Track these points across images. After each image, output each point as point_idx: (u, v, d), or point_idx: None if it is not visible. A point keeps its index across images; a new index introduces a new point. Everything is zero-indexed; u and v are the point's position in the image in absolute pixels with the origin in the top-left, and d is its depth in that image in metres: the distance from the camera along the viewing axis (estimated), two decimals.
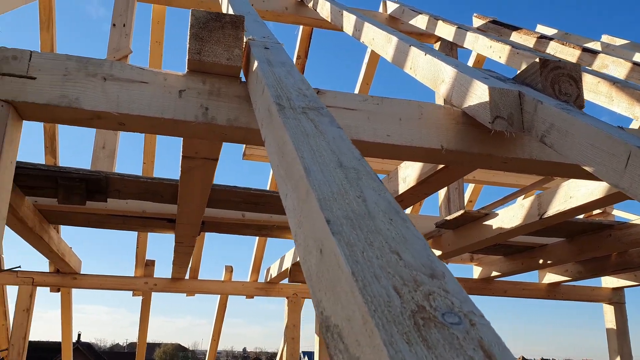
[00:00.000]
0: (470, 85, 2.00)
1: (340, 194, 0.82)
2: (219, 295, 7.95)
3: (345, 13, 3.76)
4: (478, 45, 3.95)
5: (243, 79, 1.97)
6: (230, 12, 2.88)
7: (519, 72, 2.20)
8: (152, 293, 7.54)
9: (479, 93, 1.95)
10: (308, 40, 5.90)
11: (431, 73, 2.31)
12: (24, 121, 1.88)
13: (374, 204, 0.80)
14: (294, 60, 5.92)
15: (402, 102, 2.07)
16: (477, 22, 5.71)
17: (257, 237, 7.31)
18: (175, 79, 1.89)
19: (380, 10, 5.85)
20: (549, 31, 5.72)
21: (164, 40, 5.75)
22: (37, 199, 4.29)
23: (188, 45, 1.84)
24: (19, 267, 5.77)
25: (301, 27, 5.79)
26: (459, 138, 2.07)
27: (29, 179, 3.63)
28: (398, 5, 5.42)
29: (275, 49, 1.94)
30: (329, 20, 4.27)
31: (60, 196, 3.87)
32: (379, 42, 2.98)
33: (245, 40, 1.92)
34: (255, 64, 1.70)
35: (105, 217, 4.76)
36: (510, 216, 4.00)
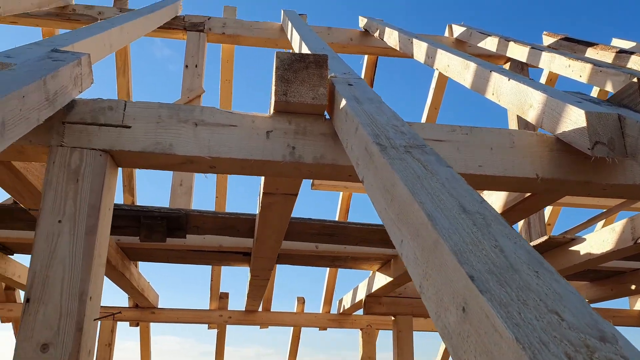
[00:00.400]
0: (564, 110, 1.91)
1: (474, 244, 0.77)
2: (292, 327, 7.92)
3: (415, 41, 3.73)
4: (555, 64, 3.81)
5: (327, 116, 1.97)
6: (305, 49, 2.91)
7: (614, 93, 2.08)
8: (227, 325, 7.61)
9: (573, 118, 1.85)
10: (373, 69, 5.91)
11: (517, 98, 2.23)
12: (118, 168, 1.94)
13: (513, 254, 0.74)
14: None
15: (492, 130, 2.00)
16: (547, 40, 5.54)
17: (328, 268, 7.26)
18: (262, 121, 1.91)
19: (446, 34, 5.79)
20: (625, 44, 5.47)
21: (233, 78, 5.90)
22: (119, 238, 4.44)
23: (274, 88, 1.85)
24: (120, 312, 5.93)
25: (366, 56, 5.81)
26: (554, 165, 1.97)
27: (114, 219, 3.76)
28: (465, 28, 5.34)
29: (359, 84, 1.93)
30: (397, 49, 4.25)
31: (142, 234, 3.99)
32: (456, 68, 2.92)
33: (328, 78, 1.91)
34: (343, 102, 1.68)
35: (183, 252, 4.87)
36: (600, 241, 3.78)
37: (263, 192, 2.66)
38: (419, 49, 3.64)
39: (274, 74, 1.88)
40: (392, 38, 4.36)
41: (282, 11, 5.37)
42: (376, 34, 4.92)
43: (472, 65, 2.70)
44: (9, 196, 4.95)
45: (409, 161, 1.12)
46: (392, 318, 6.09)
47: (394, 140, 1.26)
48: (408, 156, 1.15)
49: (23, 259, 5.60)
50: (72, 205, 1.72)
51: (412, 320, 6.02)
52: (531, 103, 2.12)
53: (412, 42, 3.80)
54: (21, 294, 7.38)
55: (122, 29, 2.97)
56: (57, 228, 1.69)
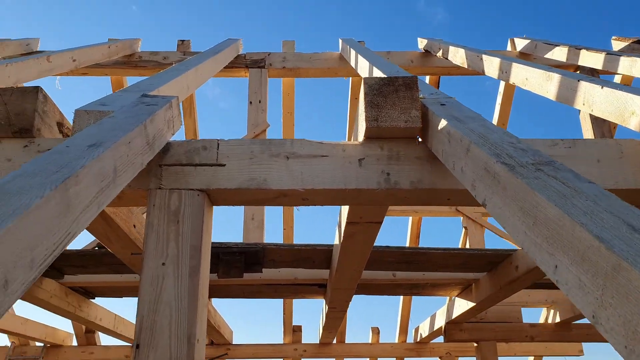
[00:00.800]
0: None
1: None
2: (368, 359, 7.74)
3: (485, 57, 3.64)
4: (636, 69, 3.62)
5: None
6: (378, 74, 2.87)
7: None
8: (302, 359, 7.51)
9: None
10: (436, 88, 5.82)
11: (614, 106, 2.11)
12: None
13: None
14: None
15: (598, 142, 1.88)
16: (617, 44, 5.31)
17: (402, 296, 7.08)
18: (353, 149, 1.86)
19: (509, 48, 5.65)
20: None
21: (294, 110, 5.94)
22: None
23: (364, 114, 1.81)
24: (226, 354, 5.90)
25: (427, 77, 5.74)
26: None
27: None
28: (529, 41, 5.20)
29: (452, 104, 1.86)
30: (465, 66, 4.16)
31: (220, 270, 3.99)
32: (536, 81, 2.81)
33: (419, 99, 1.86)
34: (442, 122, 1.62)
35: (259, 287, 4.86)
36: None
37: (346, 222, 2.60)
38: (490, 65, 3.54)
39: (362, 100, 1.84)
40: (458, 56, 4.27)
41: (341, 40, 5.40)
42: (439, 54, 4.85)
43: (556, 77, 2.58)
44: (91, 242, 5.10)
45: (545, 179, 1.04)
46: (475, 344, 5.85)
47: (518, 158, 1.18)
48: (541, 174, 1.07)
49: (103, 302, 5.74)
50: (174, 246, 1.72)
51: (497, 346, 5.76)
52: (633, 110, 1.98)
53: (481, 59, 3.71)
54: (101, 336, 7.56)
55: (196, 71, 3.03)
56: (162, 270, 1.68)
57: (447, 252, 4.01)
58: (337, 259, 3.35)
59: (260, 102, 5.23)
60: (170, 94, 2.46)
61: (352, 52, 4.28)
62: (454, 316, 5.48)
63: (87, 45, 4.53)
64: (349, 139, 6.07)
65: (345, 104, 6.05)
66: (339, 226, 3.09)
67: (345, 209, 2.68)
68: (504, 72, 3.31)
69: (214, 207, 1.94)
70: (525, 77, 2.97)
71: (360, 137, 1.89)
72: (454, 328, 5.79)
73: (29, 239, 0.89)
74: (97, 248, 3.68)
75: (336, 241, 3.41)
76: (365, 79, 1.85)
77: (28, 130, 1.82)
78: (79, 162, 1.16)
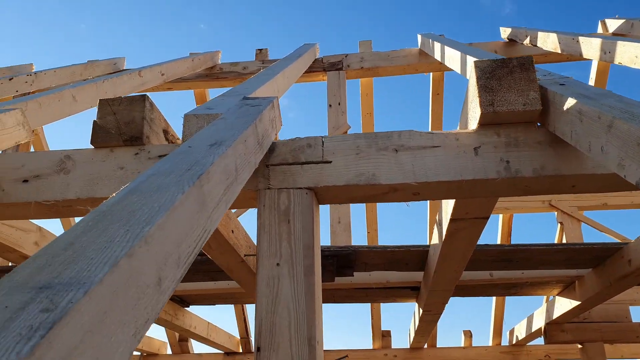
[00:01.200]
0: None
1: None
2: None
3: (582, 39, 3.41)
4: None
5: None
6: (471, 62, 2.74)
7: None
8: None
9: None
10: None
11: None
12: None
13: None
14: None
15: None
16: None
17: (495, 297, 6.80)
18: (466, 137, 1.76)
19: (600, 30, 5.32)
20: None
21: (373, 110, 5.86)
22: None
23: (478, 99, 1.71)
24: (347, 356, 5.92)
25: None
26: None
27: None
28: (624, 20, 4.86)
29: (571, 82, 1.72)
30: (559, 51, 3.94)
31: None
32: None
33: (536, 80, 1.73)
34: (570, 101, 1.49)
35: (350, 291, 4.79)
36: None
37: (451, 219, 2.49)
38: (590, 46, 3.31)
39: (474, 85, 1.74)
40: (549, 42, 4.05)
41: (420, 35, 5.27)
42: (526, 41, 4.62)
43: None
44: None
45: None
46: (579, 346, 5.50)
47: None
48: None
49: (195, 310, 5.86)
50: (287, 246, 1.68)
51: (604, 347, 5.40)
52: None
53: (578, 41, 3.49)
54: (194, 344, 7.76)
55: (284, 75, 3.02)
56: (277, 271, 1.65)
57: (549, 248, 3.78)
58: (437, 260, 3.22)
59: (339, 104, 5.19)
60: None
61: (437, 45, 4.15)
62: (554, 316, 5.19)
63: (173, 59, 4.66)
64: None
65: (425, 100, 5.92)
66: (439, 224, 2.98)
67: (446, 206, 2.56)
68: (607, 53, 3.08)
69: (320, 205, 1.89)
70: (635, 54, 2.75)
71: (473, 125, 1.78)
72: (555, 329, 5.48)
73: (176, 236, 0.86)
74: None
75: (434, 241, 3.29)
76: (476, 62, 1.75)
77: (138, 138, 1.85)
78: (207, 159, 1.13)
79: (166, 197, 0.91)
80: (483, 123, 1.75)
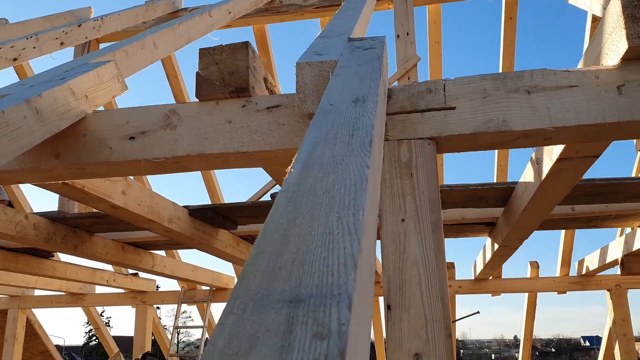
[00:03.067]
0: None
1: None
2: (526, 294, 7.45)
3: None
4: None
5: None
6: None
7: None
8: (456, 296, 7.40)
9: None
10: None
11: None
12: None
13: None
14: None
15: None
16: None
17: (564, 230, 6.61)
18: (608, 75, 1.58)
19: None
20: None
21: (441, 39, 5.57)
22: None
23: (625, 30, 1.51)
24: (478, 312, 5.91)
25: None
26: None
27: None
28: None
29: None
30: None
31: None
32: None
33: None
34: None
35: None
36: None
37: (558, 158, 2.33)
38: None
39: (618, 14, 1.54)
40: None
41: None
42: None
43: None
44: (256, 192, 5.23)
45: None
46: None
47: None
48: None
49: None
50: (411, 201, 1.58)
51: None
52: None
53: None
54: None
55: (367, 8, 2.83)
56: (402, 227, 1.56)
57: None
58: (529, 198, 3.08)
59: (407, 34, 4.93)
60: (361, 35, 2.29)
61: None
62: (635, 248, 5.02)
63: None
64: (505, 63, 5.55)
65: (494, 27, 5.56)
66: (536, 162, 2.82)
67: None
68: None
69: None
70: None
71: (614, 60, 1.60)
72: (634, 260, 5.32)
73: (372, 216, 0.77)
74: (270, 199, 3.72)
75: (526, 178, 3.14)
76: None
77: (244, 89, 1.75)
78: (363, 121, 1.03)
79: (352, 172, 0.81)
80: (629, 57, 1.56)
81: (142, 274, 7.43)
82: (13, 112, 1.46)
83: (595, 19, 4.95)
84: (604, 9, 2.13)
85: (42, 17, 5.02)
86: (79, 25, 3.72)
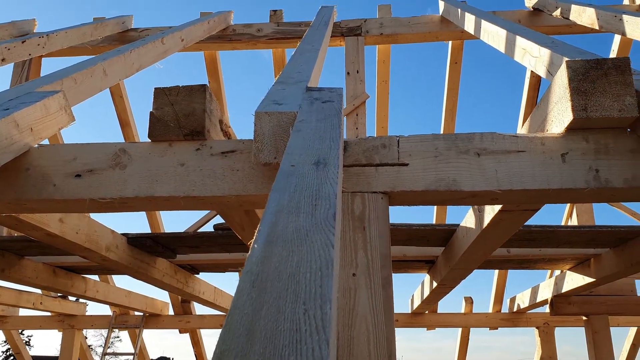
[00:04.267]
0: None
1: None
2: (460, 329, 7.61)
3: (627, 17, 3.28)
4: None
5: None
6: (524, 44, 2.61)
7: None
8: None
9: None
10: None
11: None
12: None
13: None
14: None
15: None
16: None
17: (499, 270, 6.83)
18: (553, 142, 1.66)
19: (626, 2, 5.17)
20: None
21: (389, 78, 5.71)
22: None
23: (570, 102, 1.60)
24: None
25: None
26: None
27: None
28: None
29: None
30: (596, 27, 3.80)
31: None
32: None
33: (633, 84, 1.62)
34: None
35: None
36: None
37: (500, 210, 2.42)
38: (636, 27, 3.18)
39: (564, 86, 1.63)
40: (585, 16, 3.90)
41: (443, 1, 5.08)
42: (556, 13, 4.47)
43: None
44: (196, 222, 5.12)
45: None
46: (584, 318, 5.59)
47: None
48: None
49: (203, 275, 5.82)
50: (363, 255, 1.59)
51: (609, 320, 5.49)
52: None
53: (621, 19, 3.35)
54: (196, 306, 7.76)
55: (322, 50, 2.87)
56: (353, 282, 1.57)
57: (575, 230, 3.76)
58: (469, 243, 3.17)
59: (357, 72, 5.03)
60: (316, 82, 2.32)
61: (467, 16, 3.98)
62: (563, 290, 5.24)
63: (189, 22, 4.43)
64: (447, 109, 5.75)
65: (441, 68, 5.75)
66: (477, 210, 2.90)
67: None
68: None
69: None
70: None
71: (558, 128, 1.68)
72: (562, 301, 5.55)
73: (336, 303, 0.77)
74: (219, 230, 3.66)
75: (467, 223, 3.23)
76: (568, 62, 1.63)
77: (199, 133, 1.72)
78: (326, 189, 1.03)
79: (317, 252, 0.81)
80: (572, 127, 1.65)
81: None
82: None
83: (534, 75, 5.22)
84: (548, 71, 2.25)
85: None
86: (23, 42, 3.57)
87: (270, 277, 0.75)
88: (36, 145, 1.76)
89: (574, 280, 4.99)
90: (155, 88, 1.76)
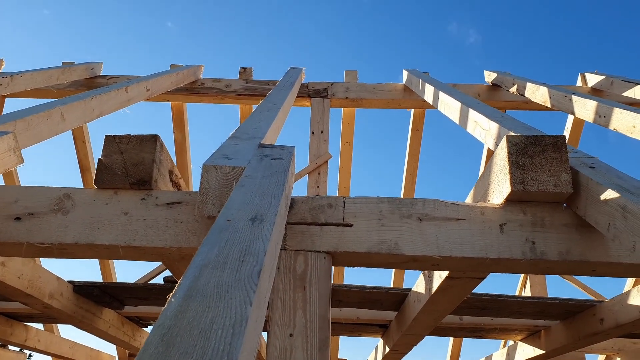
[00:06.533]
0: None
1: None
2: None
3: (576, 98, 3.46)
4: None
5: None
6: (476, 117, 2.73)
7: None
8: None
9: None
10: None
11: None
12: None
13: None
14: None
15: None
16: None
17: (453, 338, 6.81)
18: (492, 212, 1.71)
19: (579, 83, 5.47)
20: None
21: (353, 140, 5.83)
22: None
23: (509, 175, 1.66)
24: None
25: None
26: None
27: None
28: (603, 77, 5.00)
29: (600, 166, 1.70)
30: (548, 105, 3.99)
31: None
32: None
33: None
34: (610, 193, 1.46)
35: None
36: None
37: (447, 276, 2.44)
38: (583, 107, 3.36)
39: (504, 159, 1.70)
40: (538, 94, 4.11)
41: (406, 71, 5.28)
42: (512, 89, 4.68)
43: None
44: (146, 274, 5.01)
45: None
46: None
47: None
48: None
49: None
50: (302, 316, 1.58)
51: None
52: None
53: (570, 99, 3.54)
54: None
55: (283, 109, 2.93)
56: (289, 342, 1.55)
57: (526, 301, 3.81)
58: (419, 309, 3.18)
59: (322, 132, 5.13)
60: (272, 139, 2.35)
61: (427, 87, 4.14)
62: None
63: (157, 73, 4.48)
64: (408, 174, 5.83)
65: (403, 134, 5.91)
66: (427, 275, 2.93)
67: None
68: (602, 117, 3.13)
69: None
70: (633, 124, 2.79)
71: (497, 199, 1.74)
72: None
73: None
74: (168, 283, 3.58)
75: (417, 289, 3.25)
76: (508, 137, 1.71)
77: (146, 182, 1.72)
78: (256, 245, 1.03)
79: (234, 309, 0.80)
80: (511, 199, 1.71)
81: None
82: None
83: (489, 149, 5.41)
84: (495, 143, 2.34)
85: None
86: None
87: (181, 332, 0.74)
88: None
89: (525, 351, 4.99)
90: (106, 135, 1.76)
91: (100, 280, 6.24)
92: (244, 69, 5.51)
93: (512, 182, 1.65)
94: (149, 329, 5.34)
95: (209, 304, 0.81)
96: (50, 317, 4.22)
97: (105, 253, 1.70)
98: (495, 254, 1.66)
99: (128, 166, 1.72)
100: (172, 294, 0.85)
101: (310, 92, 5.29)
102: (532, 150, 1.68)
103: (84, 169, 5.86)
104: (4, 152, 1.87)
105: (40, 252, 1.69)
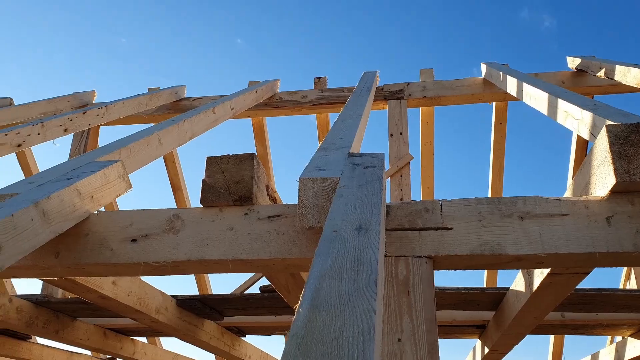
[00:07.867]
0: None
1: None
2: None
3: None
4: None
5: None
6: (567, 107, 2.63)
7: None
8: None
9: None
10: None
11: None
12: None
13: None
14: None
15: None
16: None
17: (554, 336, 6.54)
18: (597, 205, 1.65)
19: None
20: None
21: (434, 139, 5.76)
22: None
23: (612, 166, 1.60)
24: None
25: None
26: None
27: None
28: None
29: None
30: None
31: None
32: None
33: None
34: None
35: None
36: None
37: (549, 273, 2.37)
38: None
39: (605, 150, 1.64)
40: (630, 76, 3.89)
41: (485, 65, 5.17)
42: (600, 74, 4.47)
43: None
44: (242, 283, 5.18)
45: None
46: None
47: None
48: None
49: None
50: (408, 320, 1.59)
51: None
52: None
53: None
54: None
55: (365, 115, 2.96)
56: (398, 347, 1.57)
57: (632, 294, 3.61)
58: (519, 308, 3.09)
59: (401, 134, 5.11)
60: (358, 147, 2.39)
61: (509, 79, 4.04)
62: (626, 357, 4.96)
63: (238, 92, 4.66)
64: (494, 170, 5.70)
65: (486, 129, 5.78)
66: (528, 273, 2.85)
67: None
68: None
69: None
70: None
71: (602, 191, 1.68)
72: None
73: None
74: (265, 292, 3.69)
75: (517, 287, 3.16)
76: (608, 127, 1.65)
77: (247, 198, 1.80)
78: (368, 254, 1.07)
79: (360, 317, 0.84)
80: (617, 190, 1.64)
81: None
82: (21, 215, 1.49)
83: (580, 139, 5.18)
84: (591, 133, 2.25)
85: (47, 99, 5.16)
86: (84, 113, 3.83)
87: (314, 340, 0.78)
88: (95, 212, 1.88)
89: (636, 347, 4.73)
90: (207, 157, 1.86)
91: (197, 292, 6.52)
92: (318, 78, 5.60)
93: (617, 172, 1.59)
94: (247, 338, 5.52)
95: (335, 313, 0.85)
96: (156, 330, 4.46)
97: (215, 267, 1.79)
98: (603, 248, 1.60)
99: (230, 184, 1.81)
100: (298, 304, 0.89)
101: (386, 95, 5.29)
102: (636, 138, 1.61)
103: (175, 188, 6.16)
104: (114, 180, 2.02)
105: (155, 271, 1.81)
